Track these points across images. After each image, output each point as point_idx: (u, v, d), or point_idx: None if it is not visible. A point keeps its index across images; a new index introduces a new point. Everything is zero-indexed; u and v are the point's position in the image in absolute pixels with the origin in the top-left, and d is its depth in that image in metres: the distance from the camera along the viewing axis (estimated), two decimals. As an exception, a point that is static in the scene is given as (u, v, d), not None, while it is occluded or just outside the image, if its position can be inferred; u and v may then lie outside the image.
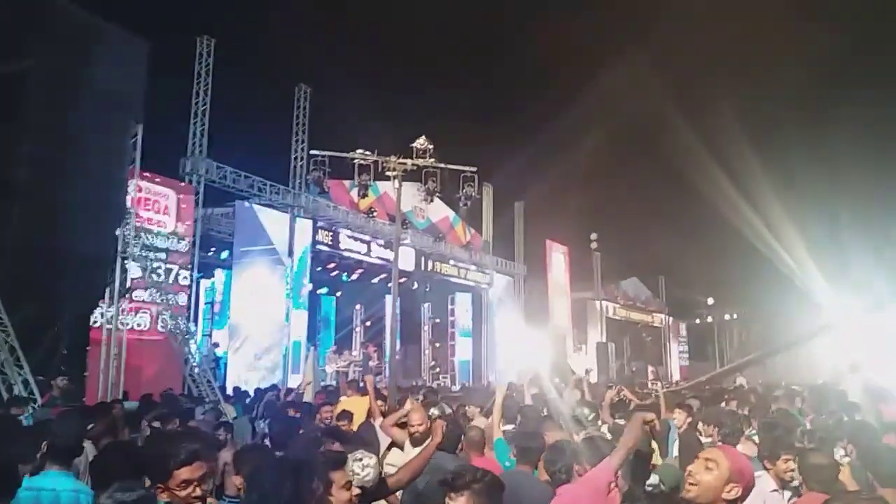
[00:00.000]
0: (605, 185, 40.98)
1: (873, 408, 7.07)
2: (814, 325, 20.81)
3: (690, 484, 2.85)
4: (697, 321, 43.45)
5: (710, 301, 41.35)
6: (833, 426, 5.73)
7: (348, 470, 3.43)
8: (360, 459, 3.50)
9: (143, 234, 13.94)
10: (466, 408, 7.86)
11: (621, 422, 6.98)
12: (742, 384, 16.14)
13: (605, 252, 33.09)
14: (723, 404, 9.23)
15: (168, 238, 14.93)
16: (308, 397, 9.45)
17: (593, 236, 32.61)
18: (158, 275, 14.03)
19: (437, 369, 25.59)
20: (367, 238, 20.64)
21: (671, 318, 41.61)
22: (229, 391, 14.28)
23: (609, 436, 6.01)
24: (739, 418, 6.26)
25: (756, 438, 5.72)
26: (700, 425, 6.45)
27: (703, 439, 5.92)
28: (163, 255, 14.58)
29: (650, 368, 34.07)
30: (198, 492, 2.89)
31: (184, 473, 2.87)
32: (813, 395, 8.98)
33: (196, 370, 14.22)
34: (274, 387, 15.19)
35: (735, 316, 41.75)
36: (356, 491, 3.19)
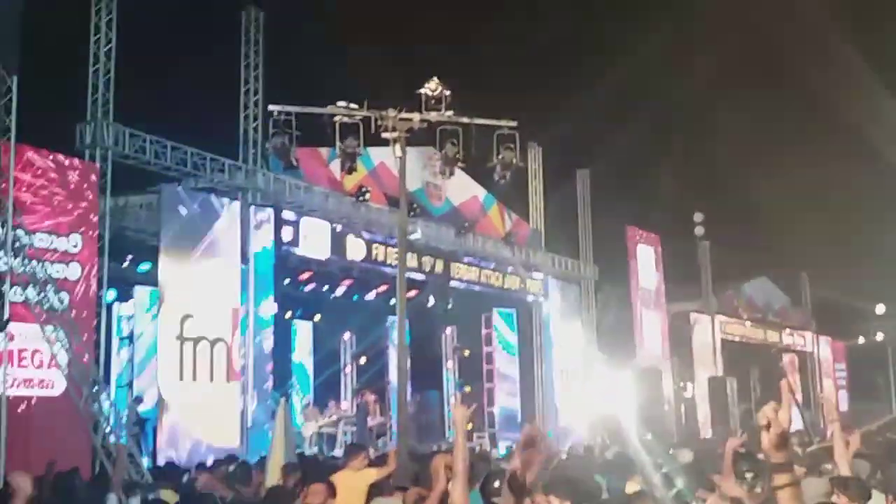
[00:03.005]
0: (713, 141, 40.57)
1: None
2: None
3: None
4: (861, 340, 42.92)
5: (880, 309, 40.83)
6: None
7: None
8: None
9: (23, 238, 14.01)
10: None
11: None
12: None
13: (716, 240, 32.82)
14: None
15: (62, 243, 15.00)
16: (273, 477, 9.46)
17: (698, 217, 32.32)
18: (49, 299, 14.09)
19: (470, 425, 25.50)
20: (356, 233, 20.65)
21: (822, 337, 41.12)
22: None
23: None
24: None
25: None
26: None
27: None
28: (56, 270, 14.65)
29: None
30: None
31: None
32: None
33: (112, 439, 14.27)
34: (231, 458, 15.24)
35: (918, 331, 41.26)
36: None
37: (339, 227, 20.14)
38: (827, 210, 38.33)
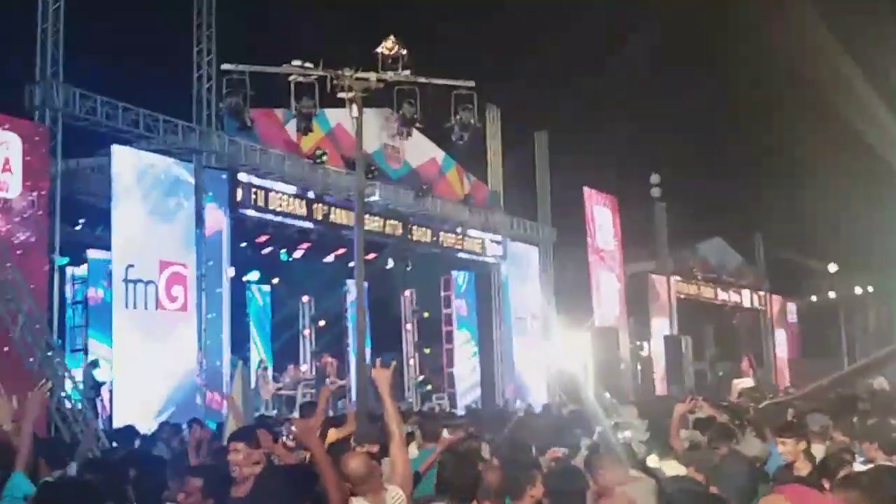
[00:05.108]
0: (668, 103, 40.77)
1: None
2: None
3: None
4: (814, 298, 43.65)
5: (832, 268, 41.53)
6: None
7: None
8: None
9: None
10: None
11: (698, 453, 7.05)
12: (883, 387, 16.25)
13: (672, 201, 33.10)
14: (854, 419, 9.31)
15: (13, 205, 14.78)
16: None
17: (654, 179, 32.60)
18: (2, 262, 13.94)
19: (429, 386, 25.68)
20: (313, 195, 20.55)
21: (774, 296, 41.74)
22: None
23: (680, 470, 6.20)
24: None
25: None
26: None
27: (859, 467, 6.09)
28: (7, 232, 14.45)
29: (745, 371, 34.31)
30: None
31: None
32: None
33: (67, 403, 14.17)
34: (195, 421, 15.20)
35: (870, 289, 41.96)
36: None
37: (294, 189, 19.90)
38: (780, 170, 38.79)
